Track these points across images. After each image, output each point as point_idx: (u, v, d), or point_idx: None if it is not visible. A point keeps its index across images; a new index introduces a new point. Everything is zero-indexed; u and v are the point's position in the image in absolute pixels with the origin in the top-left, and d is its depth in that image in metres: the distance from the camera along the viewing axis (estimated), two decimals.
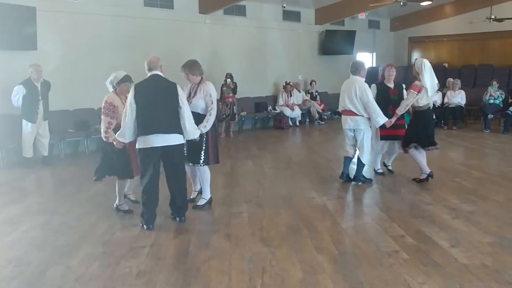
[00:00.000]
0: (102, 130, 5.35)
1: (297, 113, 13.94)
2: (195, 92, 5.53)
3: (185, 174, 5.33)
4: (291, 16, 14.88)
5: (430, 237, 4.64)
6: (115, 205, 5.71)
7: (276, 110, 13.77)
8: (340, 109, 6.90)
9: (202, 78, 5.60)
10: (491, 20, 14.41)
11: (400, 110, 6.62)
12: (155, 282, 3.81)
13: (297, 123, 14.04)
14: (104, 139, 5.35)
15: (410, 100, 6.51)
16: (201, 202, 5.79)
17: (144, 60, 5.17)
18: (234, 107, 11.99)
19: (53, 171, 8.27)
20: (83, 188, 6.89)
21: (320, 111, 14.58)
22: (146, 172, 4.99)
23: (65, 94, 9.64)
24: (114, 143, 5.16)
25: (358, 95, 6.48)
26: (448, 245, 4.43)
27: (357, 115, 6.57)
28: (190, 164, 5.63)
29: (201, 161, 5.55)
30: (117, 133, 5.06)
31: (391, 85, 7.05)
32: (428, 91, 6.44)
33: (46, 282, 3.85)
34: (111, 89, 5.49)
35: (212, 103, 5.44)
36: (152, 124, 4.86)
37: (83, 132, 9.66)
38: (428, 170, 6.71)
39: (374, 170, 7.45)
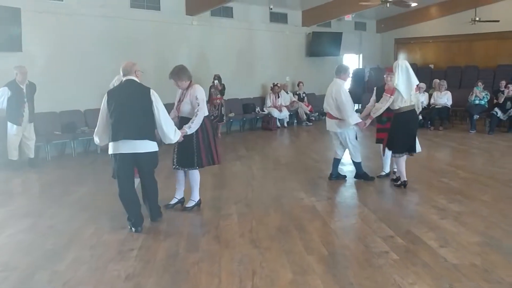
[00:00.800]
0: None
1: (285, 114, 13.95)
2: (184, 97, 5.51)
3: (154, 182, 5.20)
4: (278, 18, 14.90)
5: (419, 237, 4.66)
6: None
7: (264, 111, 13.77)
8: (324, 111, 7.06)
9: (190, 82, 5.56)
10: (476, 22, 14.59)
11: (374, 113, 6.66)
12: (144, 285, 3.77)
13: (285, 124, 14.05)
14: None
15: (383, 103, 6.49)
16: (190, 204, 5.75)
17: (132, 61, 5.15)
18: (222, 108, 11.96)
19: (39, 174, 8.16)
20: (70, 190, 6.81)
21: (308, 112, 14.60)
22: (119, 177, 5.00)
23: (51, 96, 9.53)
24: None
25: (334, 96, 6.59)
26: (437, 245, 4.45)
27: (333, 118, 6.74)
28: (185, 169, 5.60)
29: (195, 164, 5.52)
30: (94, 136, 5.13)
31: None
32: (401, 92, 6.28)
33: (33, 287, 3.80)
34: None
35: (198, 105, 5.39)
36: (121, 130, 4.81)
37: (70, 134, 9.57)
38: (404, 178, 6.54)
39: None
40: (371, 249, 4.41)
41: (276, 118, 13.70)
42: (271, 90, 13.99)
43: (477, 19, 14.61)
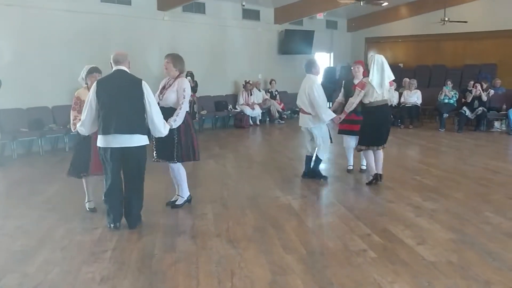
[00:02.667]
0: (71, 123, 5.31)
1: (257, 112, 13.91)
2: (169, 86, 5.37)
3: (143, 179, 5.01)
4: (250, 14, 14.82)
5: (396, 235, 4.68)
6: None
7: (236, 109, 13.69)
8: (298, 107, 7.01)
9: (180, 74, 5.44)
10: (445, 22, 14.87)
11: (347, 108, 6.65)
12: (120, 287, 3.65)
13: (258, 122, 14.02)
14: (73, 131, 5.23)
15: (355, 97, 6.50)
16: (180, 201, 5.66)
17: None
18: (195, 105, 11.83)
19: (5, 173, 7.87)
20: (38, 190, 6.59)
21: (280, 110, 14.61)
22: (107, 172, 4.83)
23: (17, 92, 9.22)
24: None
25: (307, 92, 6.55)
26: (414, 243, 4.47)
27: (305, 113, 6.69)
28: (165, 161, 5.47)
29: (174, 158, 5.39)
30: (78, 124, 4.92)
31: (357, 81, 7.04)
32: (375, 87, 6.31)
33: None
34: (83, 85, 5.41)
35: (184, 98, 5.26)
36: (111, 124, 4.63)
37: (37, 132, 9.27)
38: (373, 172, 6.59)
39: (347, 168, 7.53)
40: (349, 247, 4.40)
41: (248, 116, 13.64)
42: (243, 87, 13.93)
43: (446, 19, 14.87)
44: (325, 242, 4.57)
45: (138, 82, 4.79)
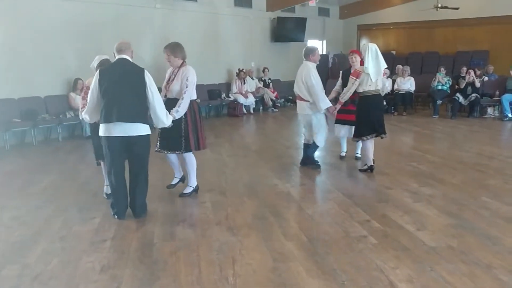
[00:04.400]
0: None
1: (251, 100, 13.85)
2: (175, 77, 5.30)
3: (147, 169, 5.00)
4: (242, 2, 14.68)
5: (395, 221, 4.69)
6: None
7: (230, 97, 13.62)
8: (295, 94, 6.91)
9: (184, 62, 5.37)
10: (437, 8, 14.85)
11: (343, 97, 6.60)
12: (121, 277, 3.62)
13: (251, 111, 13.96)
14: (81, 119, 5.30)
15: (350, 86, 6.48)
16: (188, 190, 5.64)
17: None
18: None
19: None
20: (34, 180, 6.52)
21: (274, 98, 14.55)
22: (110, 161, 4.79)
23: (9, 81, 9.12)
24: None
25: (305, 79, 6.49)
26: (414, 228, 4.48)
27: (303, 100, 6.61)
28: (172, 152, 5.45)
29: (182, 148, 5.35)
30: (83, 112, 4.94)
31: None
32: (371, 75, 6.34)
33: (1, 282, 3.58)
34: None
35: (187, 87, 5.18)
36: (113, 112, 4.58)
37: (30, 122, 9.15)
38: (370, 163, 6.61)
39: (340, 155, 7.55)
40: (350, 234, 4.40)
41: (242, 104, 13.58)
42: (236, 76, 13.85)
43: (439, 5, 14.86)
44: (326, 229, 4.57)
45: (141, 71, 4.73)
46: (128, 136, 4.68)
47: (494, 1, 15.33)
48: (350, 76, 6.51)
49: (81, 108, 5.29)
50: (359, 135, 6.61)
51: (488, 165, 7.03)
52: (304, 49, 6.83)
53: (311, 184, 6.30)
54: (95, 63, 5.35)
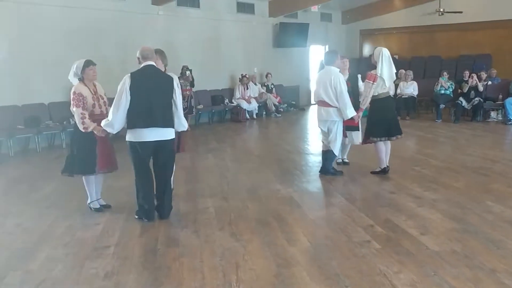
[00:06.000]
0: (77, 122, 5.04)
1: (253, 106, 13.87)
2: None
3: (172, 171, 5.21)
4: (245, 8, 14.74)
5: (398, 226, 4.68)
6: (87, 204, 5.44)
7: (233, 103, 13.64)
8: (315, 99, 6.78)
9: (165, 69, 5.41)
10: (440, 13, 14.85)
11: (363, 104, 6.56)
12: (124, 283, 3.63)
13: (254, 116, 13.98)
14: (83, 130, 5.02)
15: (368, 91, 6.49)
16: None
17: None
18: (192, 100, 11.75)
19: (2, 170, 7.81)
20: (37, 187, 6.54)
21: (277, 103, 14.58)
22: (140, 166, 4.90)
23: (12, 88, 9.17)
24: (95, 132, 5.00)
25: (333, 85, 6.37)
26: (418, 233, 4.47)
27: (331, 106, 6.46)
28: None
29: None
30: (105, 123, 4.81)
31: (346, 76, 6.94)
32: (386, 80, 6.44)
33: None
34: (75, 82, 5.18)
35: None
36: (148, 117, 4.72)
37: (33, 129, 9.19)
38: (384, 165, 6.66)
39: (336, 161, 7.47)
40: (353, 239, 4.39)
41: (245, 109, 13.60)
42: (239, 81, 13.88)
43: (442, 10, 14.87)
44: (328, 234, 4.56)
45: (171, 78, 4.99)
46: (160, 140, 4.81)
47: (497, 5, 15.32)
48: (366, 80, 6.50)
49: (81, 119, 5.00)
50: (370, 136, 6.64)
51: (492, 168, 7.01)
52: (325, 55, 6.79)
53: (313, 189, 6.30)
54: (77, 69, 5.11)
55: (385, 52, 6.47)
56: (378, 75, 6.41)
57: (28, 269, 3.90)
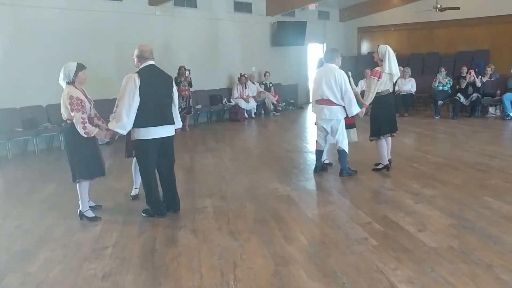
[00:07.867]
0: (78, 128, 4.85)
1: (252, 105, 13.87)
2: None
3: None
4: (242, 7, 14.74)
5: (396, 223, 4.69)
6: (78, 212, 5.23)
7: (231, 102, 13.65)
8: (315, 98, 6.58)
9: None
10: (437, 9, 14.85)
11: (367, 100, 6.56)
12: (122, 283, 3.64)
13: (253, 115, 13.98)
14: (86, 136, 4.89)
15: (373, 87, 6.49)
16: (135, 192, 5.89)
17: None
18: (190, 100, 11.79)
19: (1, 173, 7.82)
20: (36, 189, 6.55)
21: (275, 102, 14.59)
22: (148, 164, 4.99)
23: (10, 91, 9.16)
24: (97, 136, 5.02)
25: (338, 83, 6.28)
26: (415, 229, 4.48)
27: (334, 104, 6.37)
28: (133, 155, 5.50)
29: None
30: (116, 124, 4.75)
31: None
32: (393, 76, 6.56)
33: None
34: (64, 85, 5.02)
35: None
36: (160, 115, 4.88)
37: (32, 131, 9.21)
38: (386, 162, 6.72)
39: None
40: (350, 236, 4.40)
41: (243, 109, 13.61)
42: (238, 80, 13.88)
43: (439, 6, 14.87)
44: (326, 232, 4.57)
45: (171, 77, 5.24)
46: (168, 136, 5.02)
47: (494, 0, 15.31)
48: (371, 77, 6.52)
49: (82, 124, 4.86)
50: (377, 134, 6.68)
51: (490, 164, 7.02)
52: (325, 52, 6.78)
53: (311, 187, 6.30)
54: (70, 73, 4.97)
55: (390, 49, 6.52)
56: (386, 71, 6.44)
57: (27, 271, 3.91)
